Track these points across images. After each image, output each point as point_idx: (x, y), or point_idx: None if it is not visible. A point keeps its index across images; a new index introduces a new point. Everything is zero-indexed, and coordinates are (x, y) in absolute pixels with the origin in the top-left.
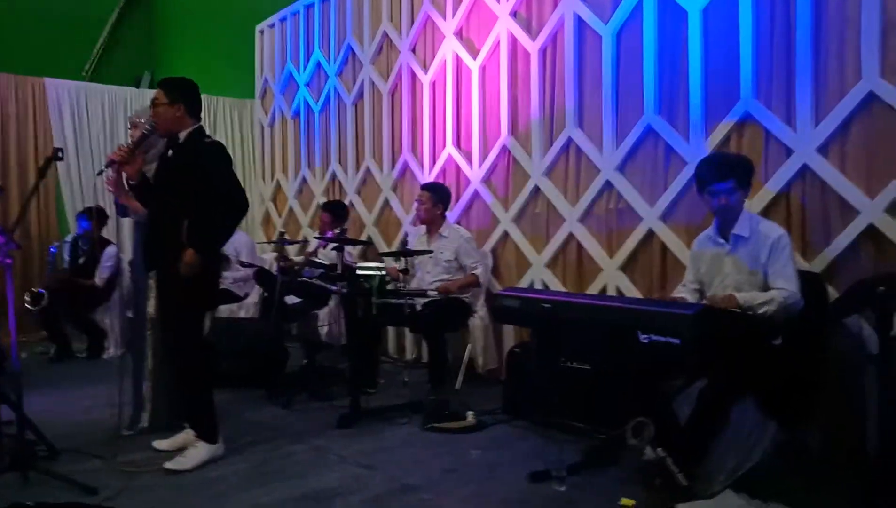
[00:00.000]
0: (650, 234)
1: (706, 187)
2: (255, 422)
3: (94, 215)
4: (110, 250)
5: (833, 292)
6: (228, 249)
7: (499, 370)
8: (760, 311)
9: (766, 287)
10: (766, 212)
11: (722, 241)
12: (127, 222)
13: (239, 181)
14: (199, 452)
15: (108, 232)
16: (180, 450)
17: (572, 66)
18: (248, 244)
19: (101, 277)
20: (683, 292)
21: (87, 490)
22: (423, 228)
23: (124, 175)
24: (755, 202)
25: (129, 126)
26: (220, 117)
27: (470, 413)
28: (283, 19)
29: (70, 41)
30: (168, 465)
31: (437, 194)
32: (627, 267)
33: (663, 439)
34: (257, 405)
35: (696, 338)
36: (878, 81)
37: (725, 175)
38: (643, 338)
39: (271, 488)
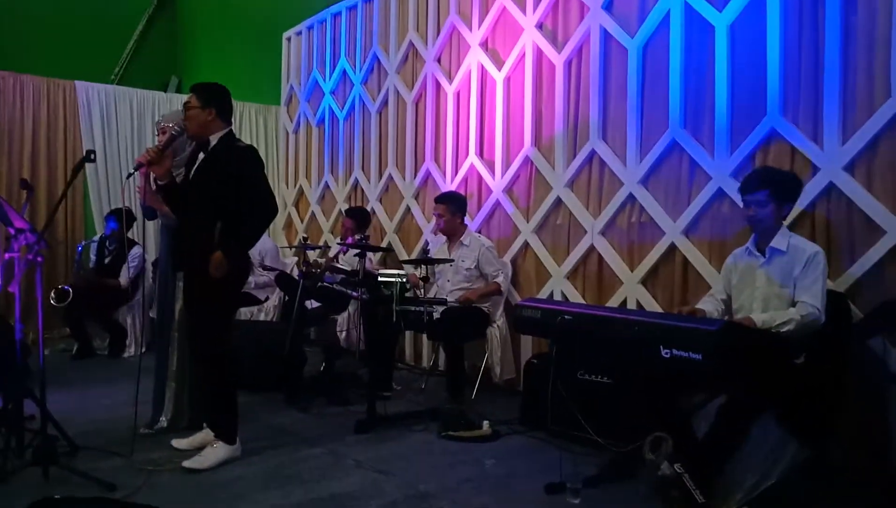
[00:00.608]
0: (672, 248)
1: (742, 197)
2: (273, 425)
3: (123, 217)
4: (136, 250)
5: (857, 311)
6: (253, 253)
7: (516, 380)
8: (780, 331)
9: (793, 303)
10: (791, 228)
11: (757, 253)
12: (152, 224)
13: (270, 186)
14: (218, 452)
15: (132, 234)
16: (198, 449)
17: (597, 78)
18: (272, 250)
19: (126, 277)
20: (708, 301)
21: (105, 487)
22: (443, 237)
23: (152, 176)
24: None
25: (157, 131)
26: (245, 122)
27: (486, 423)
28: (310, 27)
29: (100, 46)
30: (186, 464)
31: (455, 204)
32: (648, 281)
33: (681, 455)
34: (275, 408)
35: (719, 354)
36: None
37: (756, 186)
38: (664, 352)
39: (288, 491)
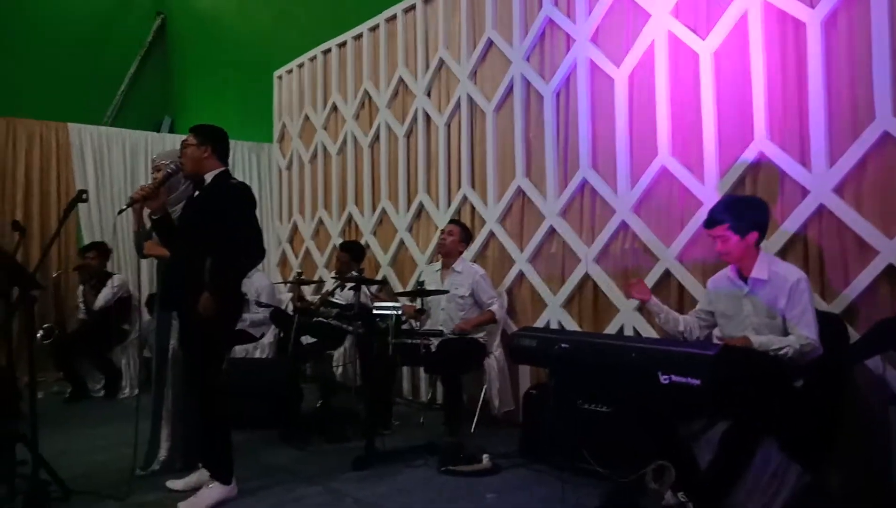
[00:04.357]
0: (667, 274)
1: (708, 233)
2: (269, 463)
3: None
4: (115, 278)
5: (853, 333)
6: (249, 291)
7: (515, 412)
8: (777, 355)
9: (785, 331)
10: (783, 253)
11: (740, 282)
12: (145, 262)
13: (258, 226)
14: (213, 493)
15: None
16: (194, 490)
17: (586, 108)
18: (268, 287)
19: (98, 303)
20: (686, 316)
21: None
22: (437, 264)
23: (146, 211)
24: (771, 243)
25: (152, 169)
26: (238, 160)
27: (486, 456)
28: (300, 65)
29: (92, 88)
30: (182, 505)
31: (465, 232)
32: (644, 307)
33: (685, 483)
34: (272, 446)
35: (717, 379)
36: (891, 120)
37: (715, 222)
38: (663, 378)
39: None
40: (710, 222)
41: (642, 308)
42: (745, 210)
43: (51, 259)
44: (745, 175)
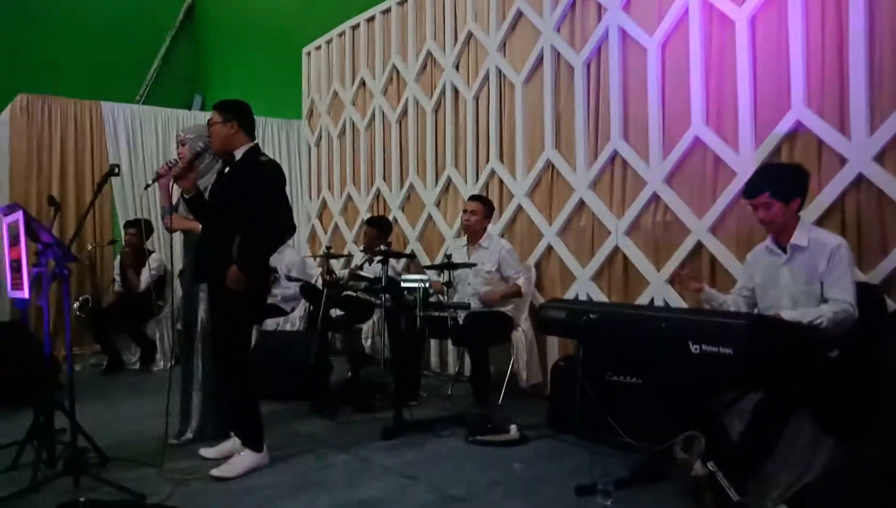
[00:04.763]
0: (699, 246)
1: (748, 202)
2: (300, 433)
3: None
4: (152, 259)
5: (892, 304)
6: (280, 266)
7: (542, 385)
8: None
9: (823, 299)
10: (820, 222)
11: (778, 251)
12: (177, 235)
13: (287, 203)
14: (245, 460)
15: (153, 244)
16: (226, 458)
17: (617, 78)
18: (298, 263)
19: (146, 281)
20: (732, 296)
21: (135, 496)
22: (463, 239)
23: (178, 189)
24: (808, 213)
25: (177, 144)
26: (267, 137)
27: (513, 427)
28: (328, 41)
29: (125, 67)
30: (214, 472)
31: (489, 208)
32: (676, 280)
33: (715, 453)
34: (302, 416)
35: (750, 348)
36: None
37: (756, 189)
38: (694, 348)
39: (315, 496)
40: (751, 190)
41: (675, 284)
42: (787, 176)
43: (85, 233)
44: (782, 144)
